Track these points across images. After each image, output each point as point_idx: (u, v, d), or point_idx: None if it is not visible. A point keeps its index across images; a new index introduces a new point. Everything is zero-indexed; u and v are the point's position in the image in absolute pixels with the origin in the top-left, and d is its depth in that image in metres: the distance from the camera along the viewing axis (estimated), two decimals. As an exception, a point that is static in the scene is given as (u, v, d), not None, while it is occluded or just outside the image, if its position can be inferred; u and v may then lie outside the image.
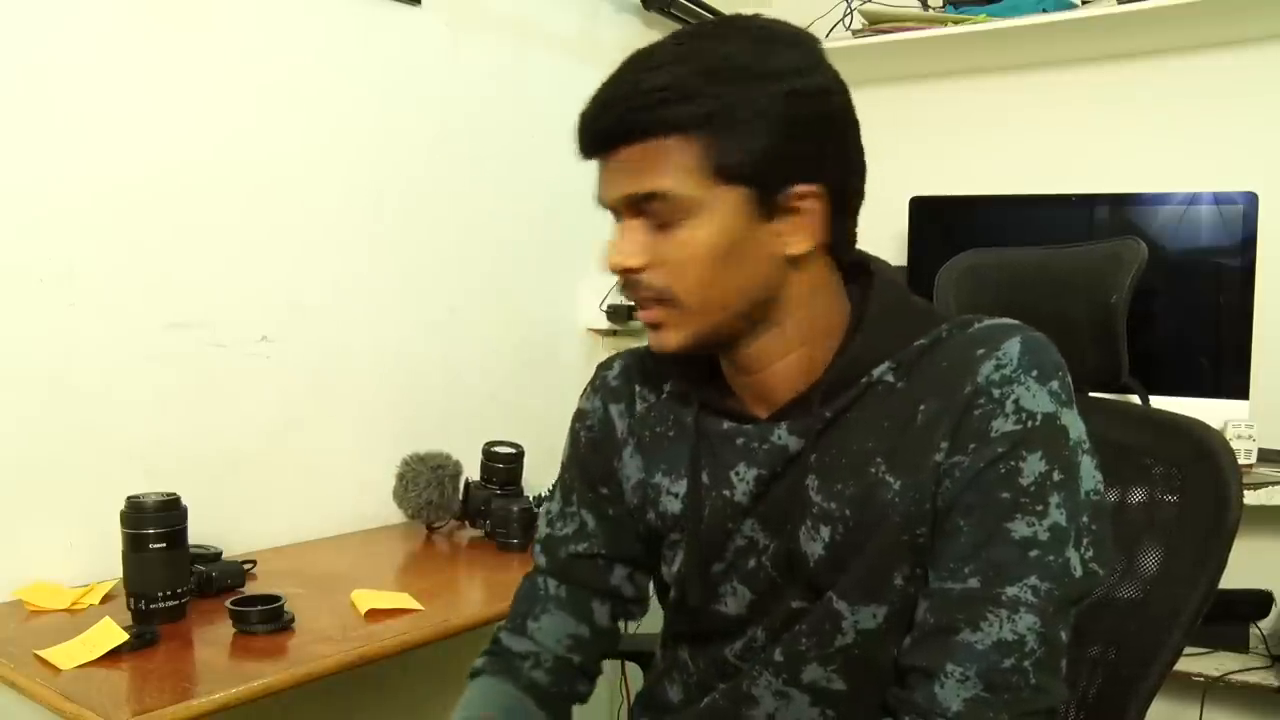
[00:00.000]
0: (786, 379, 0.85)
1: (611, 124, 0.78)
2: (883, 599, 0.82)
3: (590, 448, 0.99)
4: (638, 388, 0.96)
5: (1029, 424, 0.76)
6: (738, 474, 0.86)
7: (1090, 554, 0.77)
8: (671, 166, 0.76)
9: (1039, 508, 0.76)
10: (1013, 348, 0.78)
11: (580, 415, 1.00)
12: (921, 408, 0.79)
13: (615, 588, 0.99)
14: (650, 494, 0.93)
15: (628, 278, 0.81)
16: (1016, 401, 0.77)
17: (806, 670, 0.85)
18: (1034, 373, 0.77)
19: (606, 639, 1.00)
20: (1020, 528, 0.76)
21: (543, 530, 1.01)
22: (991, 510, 0.76)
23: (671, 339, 0.82)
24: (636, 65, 0.79)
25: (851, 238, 0.85)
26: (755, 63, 0.76)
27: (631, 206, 0.79)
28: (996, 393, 0.77)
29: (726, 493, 0.87)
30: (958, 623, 0.76)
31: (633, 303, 0.84)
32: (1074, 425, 0.79)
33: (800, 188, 0.78)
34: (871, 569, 0.82)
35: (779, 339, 0.83)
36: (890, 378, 0.82)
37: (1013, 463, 0.76)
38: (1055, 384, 0.78)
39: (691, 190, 0.76)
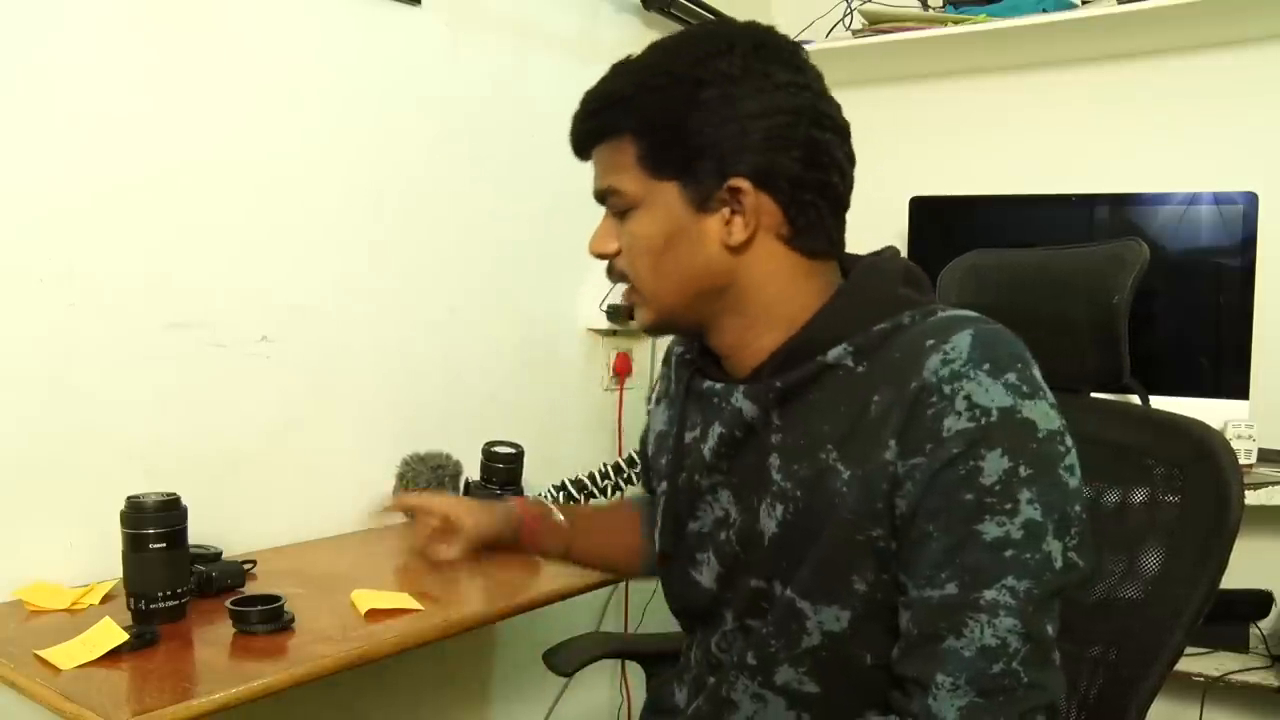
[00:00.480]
0: (760, 357, 0.88)
1: (574, 131, 0.89)
2: (844, 602, 0.82)
3: (650, 401, 1.13)
4: (678, 349, 1.05)
5: (984, 420, 0.74)
6: (712, 430, 0.92)
7: (1074, 543, 0.76)
8: (619, 165, 0.85)
9: (1008, 506, 0.74)
10: (962, 341, 0.77)
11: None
12: (875, 398, 0.79)
13: None
14: (669, 444, 1.00)
15: (606, 263, 0.90)
16: (968, 397, 0.75)
17: (779, 672, 0.87)
18: (985, 366, 0.75)
19: None
20: (990, 529, 0.74)
21: None
22: (957, 513, 0.75)
23: (641, 318, 0.91)
24: (603, 76, 0.88)
25: (821, 227, 0.86)
26: (683, 70, 0.83)
27: (602, 200, 0.89)
28: (946, 389, 0.75)
29: (702, 446, 0.93)
30: (941, 630, 0.76)
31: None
32: (1044, 417, 0.76)
33: (733, 181, 0.82)
34: (825, 564, 0.82)
35: (747, 328, 0.88)
36: (849, 361, 0.83)
37: (972, 462, 0.74)
38: (1012, 376, 0.76)
39: (634, 186, 0.85)
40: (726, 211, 0.83)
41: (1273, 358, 1.96)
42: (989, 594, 0.74)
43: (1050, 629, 0.76)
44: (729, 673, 0.91)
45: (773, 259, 0.85)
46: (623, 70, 0.87)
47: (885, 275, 0.88)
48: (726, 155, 0.82)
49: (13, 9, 1.24)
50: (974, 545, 0.74)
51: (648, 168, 0.84)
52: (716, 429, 0.90)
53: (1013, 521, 0.74)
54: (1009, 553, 0.74)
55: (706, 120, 0.81)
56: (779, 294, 0.86)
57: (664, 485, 0.99)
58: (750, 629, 0.90)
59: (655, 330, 0.92)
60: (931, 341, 0.77)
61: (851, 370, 0.82)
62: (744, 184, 0.82)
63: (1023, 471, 0.74)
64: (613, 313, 2.10)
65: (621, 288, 0.92)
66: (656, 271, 0.86)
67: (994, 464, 0.74)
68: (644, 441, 1.13)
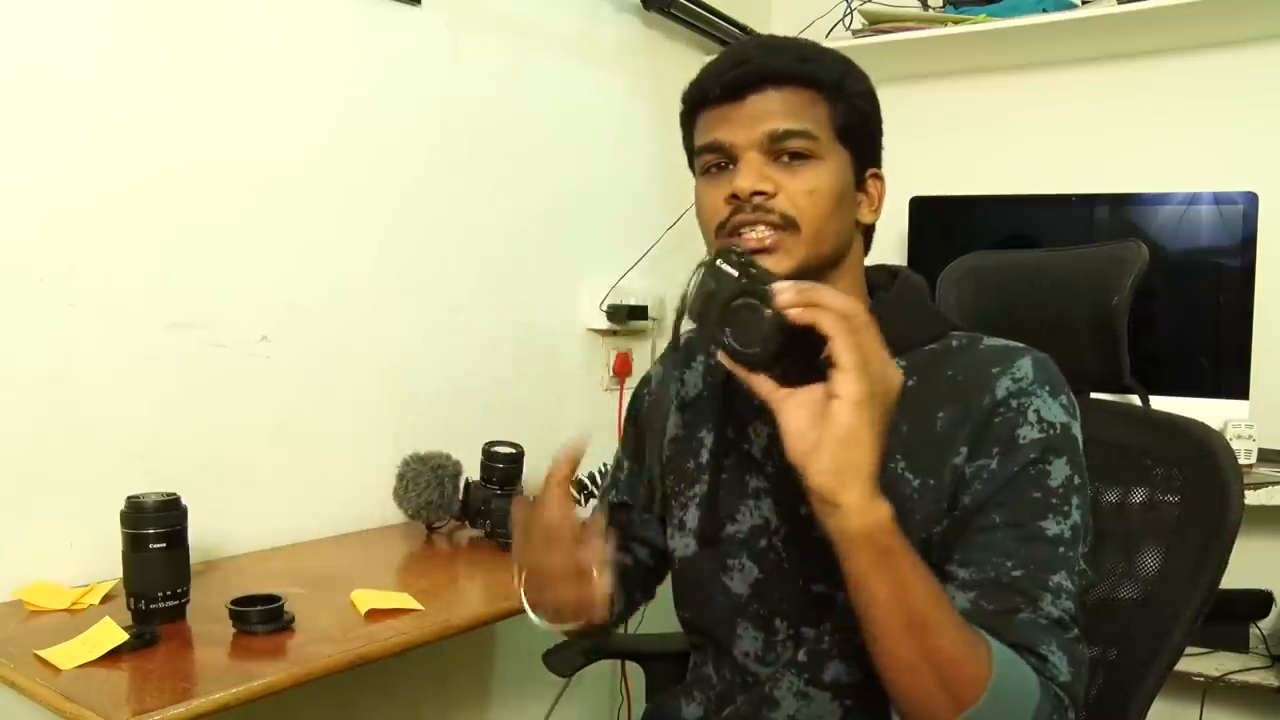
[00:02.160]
0: None
1: (772, 66, 0.89)
2: None
3: (644, 408, 1.14)
4: (699, 356, 1.08)
5: (1051, 432, 0.84)
6: (755, 430, 0.96)
7: (1085, 550, 0.84)
8: (811, 115, 0.89)
9: (1065, 509, 0.83)
10: (1026, 365, 0.87)
11: (645, 380, 1.17)
12: (940, 415, 0.87)
13: (650, 537, 1.12)
14: (695, 446, 1.02)
15: (755, 200, 0.88)
16: (1037, 412, 0.84)
17: (829, 669, 0.90)
18: (1047, 388, 0.86)
19: (648, 575, 1.14)
20: (1051, 526, 0.82)
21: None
22: (1026, 509, 0.83)
23: (779, 264, 0.88)
24: (769, 36, 0.95)
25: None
26: (854, 65, 0.94)
27: (767, 142, 0.88)
28: (1015, 403, 0.85)
29: (745, 446, 0.97)
30: (1018, 604, 0.80)
31: (741, 229, 0.89)
32: (1080, 436, 0.86)
33: (874, 170, 0.95)
34: None
35: None
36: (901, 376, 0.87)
37: (1042, 466, 0.83)
38: (1064, 398, 0.86)
39: (825, 138, 0.90)
40: (865, 194, 0.94)
41: (1273, 358, 1.96)
42: (1054, 579, 0.81)
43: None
44: (775, 671, 0.93)
45: (861, 249, 0.97)
46: (818, 46, 0.94)
47: (919, 290, 0.98)
48: (876, 149, 0.96)
49: (14, 9, 1.24)
50: (1039, 539, 0.82)
51: (835, 129, 0.90)
52: (762, 430, 0.96)
53: (1066, 523, 0.83)
54: (1061, 549, 0.82)
55: (878, 118, 0.95)
56: (855, 280, 0.95)
57: (697, 488, 1.01)
58: (804, 636, 0.92)
59: (791, 275, 0.87)
60: (997, 368, 0.87)
61: (905, 385, 0.87)
62: (882, 175, 0.96)
63: (1076, 481, 0.84)
64: (613, 313, 2.10)
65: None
66: (824, 219, 0.89)
67: (1060, 470, 0.83)
68: (637, 440, 1.15)
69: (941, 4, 2.27)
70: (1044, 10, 2.02)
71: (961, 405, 0.86)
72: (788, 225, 0.88)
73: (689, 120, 0.95)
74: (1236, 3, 1.88)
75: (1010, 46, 2.18)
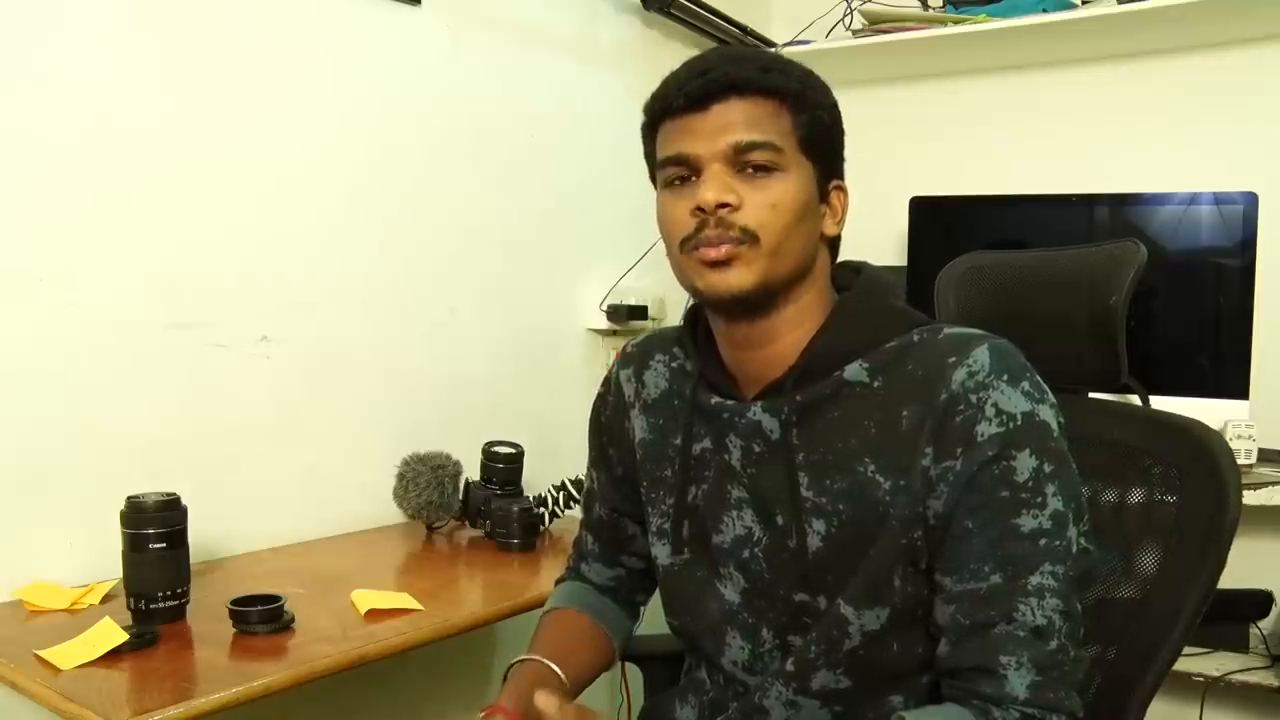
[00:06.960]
0: (778, 360, 0.91)
1: (737, 75, 0.87)
2: (885, 601, 0.87)
3: (607, 411, 1.11)
4: (658, 355, 1.05)
5: (1011, 425, 0.82)
6: (731, 441, 0.95)
7: (1086, 529, 0.84)
8: (774, 128, 0.88)
9: (1039, 500, 0.81)
10: (982, 355, 0.84)
11: (604, 382, 1.13)
12: (905, 412, 0.85)
13: (639, 546, 1.11)
14: (670, 453, 1.01)
15: (718, 214, 0.87)
16: (995, 405, 0.82)
17: (817, 677, 0.90)
18: (1004, 376, 0.83)
19: (645, 577, 1.15)
20: (1027, 521, 0.81)
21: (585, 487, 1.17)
22: (996, 509, 0.82)
23: (741, 278, 0.87)
24: (732, 47, 0.95)
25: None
26: (816, 76, 0.94)
27: (731, 154, 0.87)
28: (973, 398, 0.82)
29: (725, 456, 0.95)
30: (993, 618, 0.81)
31: (705, 244, 0.88)
32: (1052, 418, 0.84)
33: (837, 182, 0.94)
34: (874, 571, 0.86)
35: (795, 313, 0.91)
36: (865, 378, 0.88)
37: (1005, 462, 0.81)
38: (1026, 384, 0.83)
39: (789, 150, 0.88)
40: (828, 206, 0.93)
41: (1273, 358, 1.96)
42: (1034, 579, 0.81)
43: (1078, 606, 0.83)
44: (763, 680, 0.93)
45: (827, 258, 0.95)
46: (780, 56, 0.93)
47: (882, 289, 0.95)
48: (840, 161, 0.95)
49: (15, 10, 1.24)
50: (1013, 537, 0.81)
51: (799, 141, 0.89)
52: (736, 441, 0.94)
53: (1044, 513, 0.81)
54: (1043, 541, 0.81)
55: (840, 129, 0.94)
56: (822, 291, 0.93)
57: (674, 499, 1.00)
58: (790, 645, 0.92)
59: (751, 292, 0.88)
60: (953, 358, 0.84)
61: (869, 386, 0.88)
62: (845, 187, 0.95)
63: (1047, 468, 0.82)
64: (613, 313, 2.10)
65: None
66: (786, 233, 0.88)
67: (1024, 463, 0.81)
68: (601, 448, 1.12)
69: (941, 4, 2.27)
70: (1044, 10, 2.03)
71: (923, 401, 0.84)
72: (749, 239, 0.86)
73: (650, 133, 0.94)
74: (1236, 3, 1.88)
75: (1010, 46, 2.18)
